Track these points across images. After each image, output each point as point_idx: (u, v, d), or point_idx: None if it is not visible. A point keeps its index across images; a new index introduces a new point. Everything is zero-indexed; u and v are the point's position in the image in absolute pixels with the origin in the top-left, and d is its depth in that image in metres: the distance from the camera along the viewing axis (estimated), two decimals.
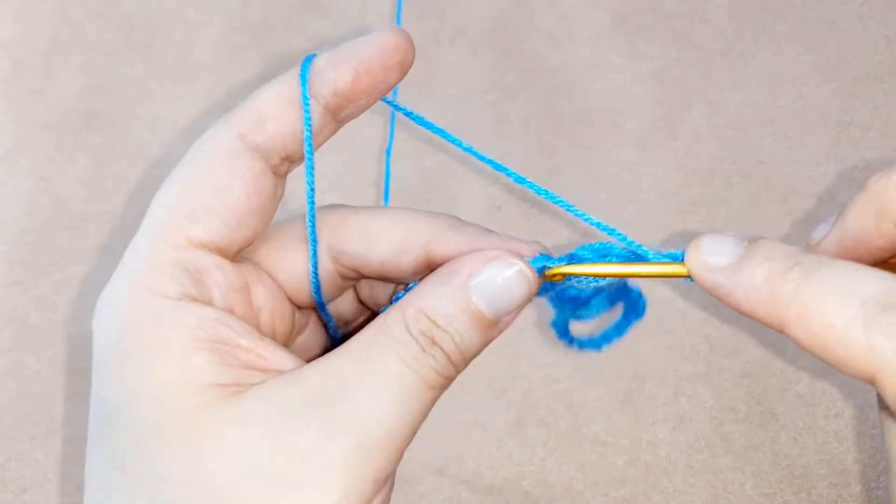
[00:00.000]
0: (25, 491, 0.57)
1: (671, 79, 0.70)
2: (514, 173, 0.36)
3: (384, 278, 0.37)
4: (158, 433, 0.30)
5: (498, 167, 0.36)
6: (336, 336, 0.39)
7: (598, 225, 0.35)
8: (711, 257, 0.31)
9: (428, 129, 0.36)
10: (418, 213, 0.36)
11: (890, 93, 0.68)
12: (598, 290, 0.35)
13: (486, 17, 0.72)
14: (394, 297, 0.35)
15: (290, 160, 0.34)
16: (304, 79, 0.34)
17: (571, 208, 0.35)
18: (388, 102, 0.36)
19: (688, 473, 0.57)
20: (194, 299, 0.32)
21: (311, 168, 0.34)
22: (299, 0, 0.74)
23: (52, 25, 0.73)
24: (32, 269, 0.63)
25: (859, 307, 0.28)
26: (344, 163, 0.67)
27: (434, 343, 0.31)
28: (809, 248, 0.35)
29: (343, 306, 0.39)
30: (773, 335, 0.60)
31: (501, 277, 0.32)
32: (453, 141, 0.36)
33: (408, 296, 0.32)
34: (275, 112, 0.34)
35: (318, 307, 0.37)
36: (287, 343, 0.37)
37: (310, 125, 0.34)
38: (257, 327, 0.35)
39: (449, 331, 0.31)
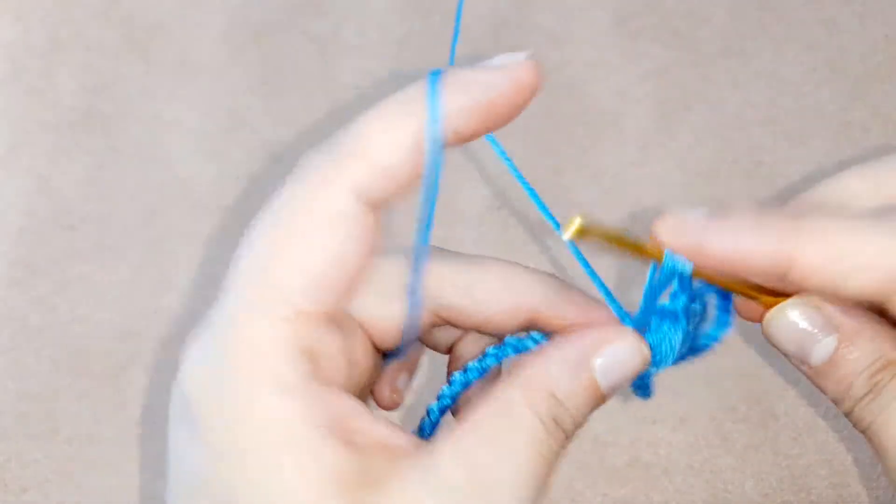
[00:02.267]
0: (25, 491, 0.57)
1: (671, 79, 0.70)
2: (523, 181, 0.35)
3: (478, 331, 0.35)
4: None
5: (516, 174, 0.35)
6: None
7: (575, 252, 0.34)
8: (685, 218, 0.30)
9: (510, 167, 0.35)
10: (524, 272, 0.34)
11: (890, 93, 0.68)
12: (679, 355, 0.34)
13: (486, 17, 0.72)
14: (487, 353, 0.34)
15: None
16: (434, 122, 0.29)
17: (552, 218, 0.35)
18: (492, 141, 0.33)
19: (688, 473, 0.57)
20: (312, 381, 0.29)
21: (433, 210, 0.30)
22: (299, 0, 0.74)
23: (52, 25, 0.73)
24: (32, 269, 0.63)
25: (869, 219, 0.28)
26: None
27: (557, 424, 0.31)
28: None
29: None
30: None
31: (623, 355, 0.31)
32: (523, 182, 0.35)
33: (530, 375, 0.31)
34: (395, 163, 0.29)
35: (401, 357, 0.35)
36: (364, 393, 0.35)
37: (437, 178, 0.29)
38: (358, 391, 0.33)
39: (571, 410, 0.31)
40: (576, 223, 0.30)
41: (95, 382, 0.60)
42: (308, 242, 0.29)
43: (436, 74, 0.30)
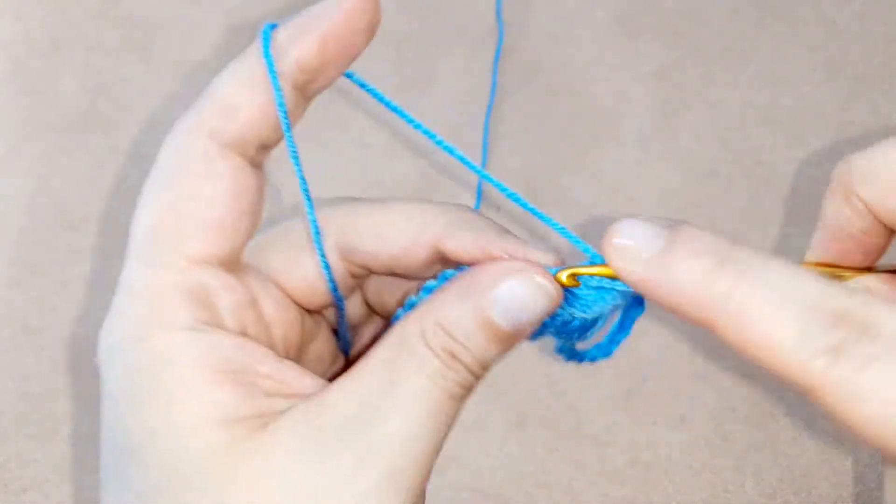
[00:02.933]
0: (25, 491, 0.57)
1: (671, 79, 0.70)
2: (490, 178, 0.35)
3: (394, 274, 0.36)
4: (183, 476, 0.29)
5: (482, 175, 0.35)
6: (347, 340, 0.38)
7: (572, 238, 0.34)
8: (632, 248, 0.29)
9: (386, 105, 0.35)
10: (430, 205, 0.35)
11: (890, 93, 0.68)
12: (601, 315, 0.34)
13: (486, 17, 0.72)
14: (406, 303, 0.33)
15: (266, 147, 0.32)
16: (268, 58, 0.31)
17: (545, 218, 0.35)
18: (351, 77, 0.35)
19: (688, 473, 0.57)
20: (206, 325, 0.30)
21: (297, 155, 0.33)
22: (299, 0, 0.74)
23: (52, 25, 0.73)
24: (32, 269, 0.63)
25: (794, 313, 0.26)
26: (347, 162, 0.67)
27: (455, 357, 0.30)
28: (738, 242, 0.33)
29: (350, 310, 0.38)
30: None
31: (522, 291, 0.31)
32: (408, 118, 0.35)
33: (425, 307, 0.31)
34: (241, 100, 0.31)
35: (336, 302, 0.36)
36: (300, 353, 0.35)
37: (285, 110, 0.31)
38: (270, 344, 0.33)
39: (469, 346, 0.30)
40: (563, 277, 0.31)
41: (95, 382, 0.59)
42: (175, 193, 0.31)
43: (270, 26, 0.32)
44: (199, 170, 0.31)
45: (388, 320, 0.38)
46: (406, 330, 0.30)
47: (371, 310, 0.39)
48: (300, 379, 0.31)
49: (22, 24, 0.73)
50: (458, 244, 0.33)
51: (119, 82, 0.71)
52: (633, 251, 0.29)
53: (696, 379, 0.59)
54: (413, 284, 0.37)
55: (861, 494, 0.56)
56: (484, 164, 0.62)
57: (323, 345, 0.37)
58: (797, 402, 0.58)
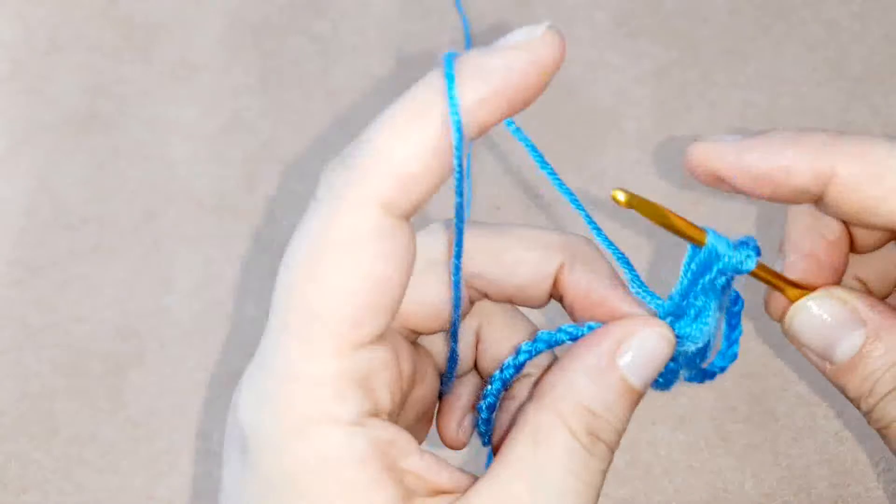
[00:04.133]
0: (25, 491, 0.57)
1: (671, 79, 0.70)
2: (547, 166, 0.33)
3: (511, 302, 0.35)
4: None
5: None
6: (452, 375, 0.36)
7: (596, 230, 0.34)
8: (721, 140, 0.29)
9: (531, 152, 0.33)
10: (551, 235, 0.33)
11: (890, 93, 0.68)
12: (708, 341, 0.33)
13: (486, 17, 0.72)
14: (505, 365, 0.33)
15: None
16: (457, 127, 0.27)
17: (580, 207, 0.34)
18: (511, 127, 0.31)
19: (688, 473, 0.57)
20: (367, 417, 0.28)
21: (462, 220, 0.29)
22: (299, 0, 0.74)
23: (52, 25, 0.73)
24: (32, 269, 0.63)
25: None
26: None
27: (597, 439, 0.29)
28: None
29: (438, 348, 0.36)
30: (773, 335, 0.60)
31: (649, 346, 0.30)
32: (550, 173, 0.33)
33: (555, 392, 0.29)
34: (419, 170, 0.27)
35: (452, 336, 0.34)
36: (408, 395, 0.34)
37: (462, 180, 0.28)
38: (404, 401, 0.32)
39: (609, 419, 0.29)
40: (622, 195, 0.30)
41: (95, 382, 0.60)
42: (346, 268, 0.28)
43: (450, 60, 0.28)
44: (375, 249, 0.28)
45: (481, 375, 0.37)
46: (541, 421, 0.29)
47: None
48: (439, 472, 0.29)
49: (22, 24, 0.73)
50: (576, 287, 0.32)
51: (119, 82, 0.71)
52: (721, 145, 0.29)
53: None
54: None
55: (860, 495, 0.56)
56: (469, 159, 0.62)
57: (429, 384, 0.36)
58: (797, 402, 0.58)
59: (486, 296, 0.34)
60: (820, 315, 0.32)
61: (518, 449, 0.29)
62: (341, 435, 0.28)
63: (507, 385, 0.35)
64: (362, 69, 0.70)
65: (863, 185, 0.28)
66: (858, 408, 0.33)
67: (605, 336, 0.30)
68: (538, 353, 0.34)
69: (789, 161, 0.29)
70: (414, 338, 0.35)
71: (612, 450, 0.30)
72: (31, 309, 0.62)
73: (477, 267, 0.33)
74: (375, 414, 0.29)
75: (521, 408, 0.31)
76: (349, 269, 0.28)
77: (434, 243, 0.33)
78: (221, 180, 0.66)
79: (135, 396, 0.59)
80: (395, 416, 0.31)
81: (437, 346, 0.36)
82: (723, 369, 0.37)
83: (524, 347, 0.33)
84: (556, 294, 0.34)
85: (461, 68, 0.27)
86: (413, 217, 0.29)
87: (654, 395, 0.59)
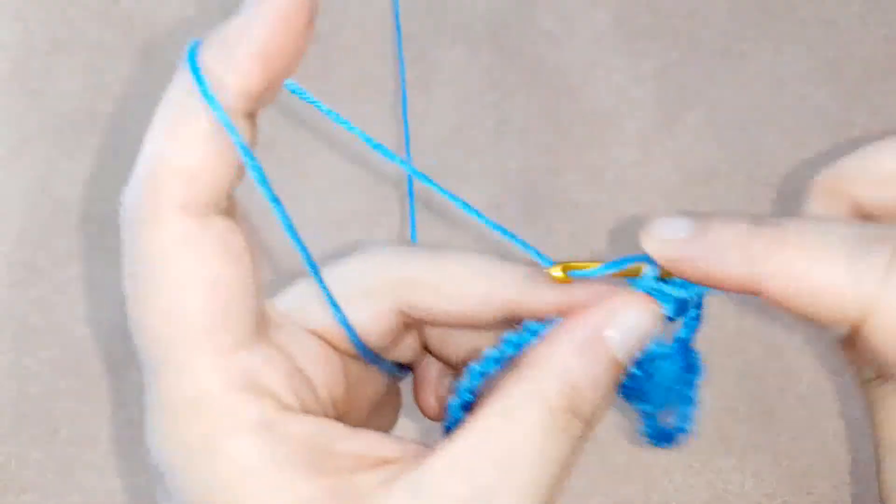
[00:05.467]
0: (25, 491, 0.57)
1: (671, 79, 0.70)
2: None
3: (456, 326, 0.34)
4: None
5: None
6: (393, 376, 0.35)
7: (521, 243, 0.33)
8: (668, 232, 0.29)
9: (327, 113, 0.32)
10: (497, 263, 0.32)
11: (890, 93, 0.68)
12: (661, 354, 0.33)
13: (486, 17, 0.72)
14: (485, 357, 0.32)
15: (235, 185, 0.29)
16: (208, 97, 0.26)
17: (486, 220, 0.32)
18: (292, 89, 0.30)
19: (688, 473, 0.57)
20: (270, 417, 0.28)
21: (270, 189, 0.29)
22: None
23: (53, 25, 0.73)
24: (32, 269, 0.63)
25: (839, 247, 0.27)
26: (358, 163, 0.67)
27: (575, 416, 0.28)
28: None
29: (404, 353, 0.35)
30: (773, 335, 0.60)
31: (638, 321, 0.30)
32: (340, 123, 0.32)
33: (535, 368, 0.28)
34: (198, 161, 0.27)
35: (365, 355, 0.33)
36: (350, 400, 0.33)
37: (252, 157, 0.27)
38: (317, 399, 0.31)
39: (593, 394, 0.29)
40: (557, 271, 0.30)
41: (95, 382, 0.60)
42: (171, 282, 0.27)
43: (193, 50, 0.27)
44: (195, 255, 0.27)
45: (452, 367, 0.36)
46: (517, 391, 0.28)
47: (428, 351, 0.36)
48: (382, 446, 0.28)
49: (22, 24, 0.73)
50: (541, 301, 0.31)
51: (119, 82, 0.70)
52: (672, 235, 0.29)
53: None
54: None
55: (860, 495, 0.56)
56: (408, 147, 0.62)
57: (374, 381, 0.35)
58: (797, 402, 0.58)
59: (426, 323, 0.33)
60: None
61: (489, 420, 0.28)
62: (246, 440, 0.27)
63: (475, 392, 0.33)
64: (362, 69, 0.70)
65: (788, 300, 0.28)
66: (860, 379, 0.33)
67: (593, 312, 0.30)
68: (505, 358, 0.32)
69: (720, 270, 0.29)
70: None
71: (590, 428, 0.29)
72: (31, 309, 0.62)
73: (414, 301, 0.32)
74: (283, 409, 0.28)
75: (496, 381, 0.30)
76: (176, 284, 0.27)
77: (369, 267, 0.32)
78: None
79: (135, 396, 0.59)
80: (325, 410, 0.30)
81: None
82: (683, 431, 0.36)
83: (509, 337, 0.32)
84: (511, 319, 0.32)
85: (204, 47, 0.27)
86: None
87: None
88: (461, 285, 0.32)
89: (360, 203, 0.65)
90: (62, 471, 0.57)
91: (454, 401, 0.33)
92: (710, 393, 0.59)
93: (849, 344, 0.29)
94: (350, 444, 0.28)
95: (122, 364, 0.60)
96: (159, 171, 0.27)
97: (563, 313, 0.31)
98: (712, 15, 0.72)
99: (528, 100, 0.68)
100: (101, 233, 0.65)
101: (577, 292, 0.31)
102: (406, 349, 0.35)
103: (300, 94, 0.31)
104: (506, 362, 0.32)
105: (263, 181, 0.28)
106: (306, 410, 0.29)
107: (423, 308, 0.32)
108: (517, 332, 0.32)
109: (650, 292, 0.31)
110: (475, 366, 0.32)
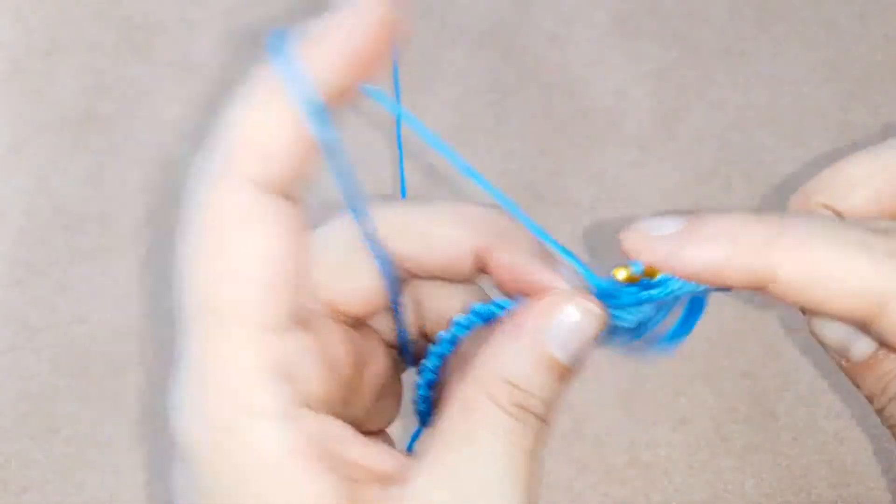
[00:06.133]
0: (25, 491, 0.57)
1: (671, 79, 0.70)
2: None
3: (440, 279, 0.34)
4: None
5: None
6: (407, 346, 0.36)
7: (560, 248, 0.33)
8: (654, 230, 0.29)
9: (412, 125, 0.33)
10: (472, 210, 0.33)
11: (890, 93, 0.68)
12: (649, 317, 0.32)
13: (486, 17, 0.72)
14: (440, 339, 0.33)
15: (306, 175, 0.29)
16: (298, 87, 0.27)
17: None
18: (375, 95, 0.31)
19: (688, 473, 0.57)
20: (294, 407, 0.28)
21: (347, 176, 0.29)
22: (299, 0, 0.74)
23: (52, 25, 0.73)
24: (32, 269, 0.63)
25: (853, 233, 0.27)
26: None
27: (526, 410, 0.29)
28: None
29: (385, 325, 0.36)
30: (773, 335, 0.60)
31: (573, 321, 0.30)
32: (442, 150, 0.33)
33: (481, 366, 0.29)
34: (277, 141, 0.27)
35: (394, 310, 0.34)
36: (358, 380, 0.33)
37: (332, 138, 0.28)
38: (338, 384, 0.31)
39: (535, 392, 0.29)
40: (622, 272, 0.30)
41: (95, 382, 0.60)
42: (232, 252, 0.27)
43: (278, 38, 0.29)
44: (255, 228, 0.27)
45: (428, 339, 0.37)
46: (468, 395, 0.29)
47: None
48: (382, 459, 0.29)
49: (22, 24, 0.73)
50: (498, 265, 0.32)
51: (119, 82, 0.71)
52: (656, 230, 0.29)
53: (696, 379, 0.59)
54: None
55: (861, 495, 0.56)
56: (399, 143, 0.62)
57: (380, 363, 0.35)
58: (797, 402, 0.58)
59: (414, 275, 0.34)
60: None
61: (450, 422, 0.29)
62: (270, 428, 0.27)
63: (443, 359, 0.34)
64: None
65: (803, 288, 0.28)
66: (872, 404, 0.33)
67: (530, 309, 0.30)
68: (472, 325, 0.33)
69: (725, 262, 0.28)
70: (353, 322, 0.34)
71: (544, 420, 0.30)
72: (31, 309, 0.62)
73: (403, 248, 0.32)
74: (306, 404, 0.28)
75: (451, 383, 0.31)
76: (235, 252, 0.27)
77: (351, 228, 0.33)
78: None
79: (135, 396, 0.59)
80: (336, 404, 0.31)
81: (381, 323, 0.35)
82: (667, 347, 0.36)
83: (457, 321, 0.33)
84: (483, 270, 0.33)
85: (293, 38, 0.28)
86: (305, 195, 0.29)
87: (654, 395, 0.59)
88: (440, 231, 0.33)
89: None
90: (62, 471, 0.57)
91: (420, 380, 0.35)
92: (710, 393, 0.59)
93: (861, 368, 0.30)
94: (356, 451, 0.29)
95: (122, 364, 0.60)
96: (237, 143, 0.28)
97: (522, 291, 0.31)
98: (712, 15, 0.72)
99: (528, 100, 0.68)
100: (101, 233, 0.65)
101: (530, 274, 0.31)
102: (387, 325, 0.36)
103: (379, 97, 0.31)
104: (457, 343, 0.34)
105: (344, 175, 0.29)
106: (327, 402, 0.30)
107: (412, 259, 0.33)
108: (465, 315, 0.33)
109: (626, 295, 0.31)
110: (432, 346, 0.34)
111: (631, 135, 0.68)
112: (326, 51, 0.28)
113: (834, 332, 0.33)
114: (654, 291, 0.31)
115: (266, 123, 0.27)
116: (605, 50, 0.71)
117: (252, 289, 0.27)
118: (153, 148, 0.68)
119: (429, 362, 0.34)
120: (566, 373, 0.30)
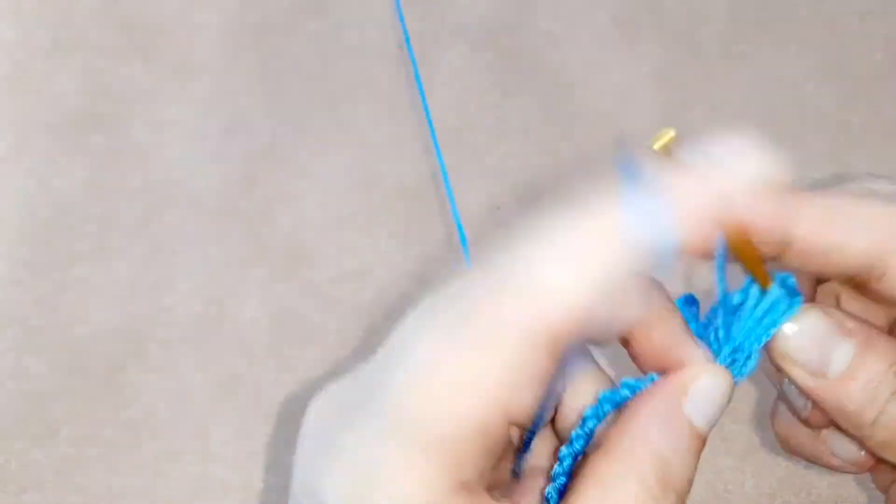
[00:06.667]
0: (25, 491, 0.57)
1: (671, 79, 0.70)
2: None
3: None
4: None
5: None
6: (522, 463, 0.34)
7: None
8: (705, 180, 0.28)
9: None
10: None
11: (890, 93, 0.68)
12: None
13: (486, 17, 0.72)
14: (573, 437, 0.31)
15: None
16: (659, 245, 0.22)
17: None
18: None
19: None
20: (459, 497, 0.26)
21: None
22: (299, 0, 0.74)
23: (53, 25, 0.73)
24: (32, 269, 0.63)
25: (867, 195, 0.29)
26: (347, 163, 0.67)
27: (668, 488, 0.29)
28: None
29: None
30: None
31: (711, 391, 0.30)
32: None
33: (628, 439, 0.29)
34: (601, 306, 0.25)
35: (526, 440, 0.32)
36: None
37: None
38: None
39: (681, 466, 0.29)
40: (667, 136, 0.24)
41: (95, 382, 0.60)
42: (478, 390, 0.25)
43: (628, 164, 0.21)
44: (510, 377, 0.25)
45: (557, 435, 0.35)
46: (609, 472, 0.28)
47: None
48: None
49: (22, 25, 0.73)
50: (647, 341, 0.31)
51: (119, 82, 0.71)
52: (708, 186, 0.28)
53: None
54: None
55: (860, 495, 0.56)
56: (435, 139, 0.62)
57: (504, 468, 0.34)
58: None
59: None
60: (816, 323, 0.32)
61: (585, 500, 0.28)
62: None
63: (578, 458, 0.32)
64: (362, 69, 0.70)
65: (819, 235, 0.29)
66: (855, 427, 0.32)
67: (666, 384, 0.30)
68: (605, 415, 0.32)
69: (757, 213, 0.30)
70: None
71: (682, 500, 0.30)
72: (31, 309, 0.62)
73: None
74: (468, 492, 0.27)
75: (582, 461, 0.30)
76: (481, 391, 0.25)
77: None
78: (221, 180, 0.66)
79: (135, 396, 0.59)
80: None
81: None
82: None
83: (589, 413, 0.31)
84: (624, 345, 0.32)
85: (655, 185, 0.23)
86: None
87: None
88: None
89: (360, 203, 0.65)
90: (62, 471, 0.57)
91: (550, 487, 0.32)
92: None
93: (845, 381, 0.31)
94: None
95: (122, 364, 0.60)
96: (545, 296, 0.25)
97: (658, 369, 0.31)
98: (712, 15, 0.72)
99: (528, 100, 0.68)
100: (101, 233, 0.65)
101: (688, 352, 0.31)
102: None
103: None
104: (591, 437, 0.32)
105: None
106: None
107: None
108: (594, 405, 0.31)
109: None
110: (564, 448, 0.32)
111: (631, 135, 0.68)
112: (709, 188, 0.24)
113: (811, 345, 0.32)
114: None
115: (583, 278, 0.24)
116: (605, 50, 0.71)
117: (473, 431, 0.26)
118: (153, 148, 0.68)
119: (563, 465, 0.32)
120: (703, 442, 0.30)
